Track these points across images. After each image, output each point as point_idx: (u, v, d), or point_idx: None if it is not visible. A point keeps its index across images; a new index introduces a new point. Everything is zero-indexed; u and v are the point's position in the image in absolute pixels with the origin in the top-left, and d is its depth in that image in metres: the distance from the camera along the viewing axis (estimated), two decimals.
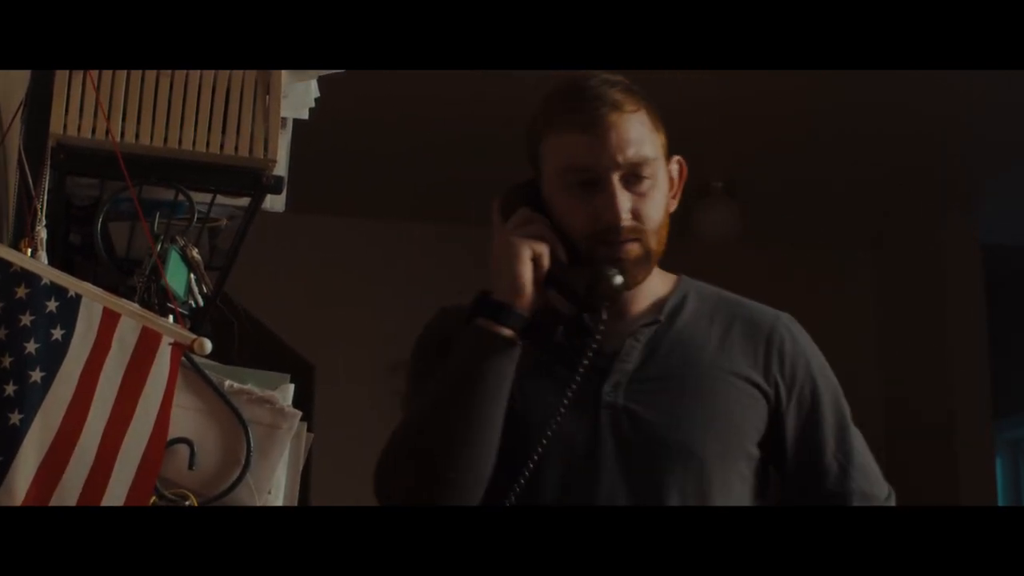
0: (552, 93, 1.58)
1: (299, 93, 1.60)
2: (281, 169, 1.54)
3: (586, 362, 1.50)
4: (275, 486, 1.37)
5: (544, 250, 1.51)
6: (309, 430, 1.43)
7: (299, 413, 1.37)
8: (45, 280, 1.19)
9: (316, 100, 1.64)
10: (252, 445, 1.31)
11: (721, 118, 4.17)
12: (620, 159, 1.50)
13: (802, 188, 4.86)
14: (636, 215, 1.51)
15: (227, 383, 1.33)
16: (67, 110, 1.39)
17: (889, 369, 5.40)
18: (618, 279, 1.51)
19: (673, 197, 1.60)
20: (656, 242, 1.55)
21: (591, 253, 1.52)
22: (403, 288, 5.41)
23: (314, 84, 1.63)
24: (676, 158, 1.61)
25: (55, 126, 1.39)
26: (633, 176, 1.52)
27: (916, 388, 5.26)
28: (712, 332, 1.60)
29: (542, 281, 1.51)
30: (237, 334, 1.81)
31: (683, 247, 1.91)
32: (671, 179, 1.59)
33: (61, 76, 1.39)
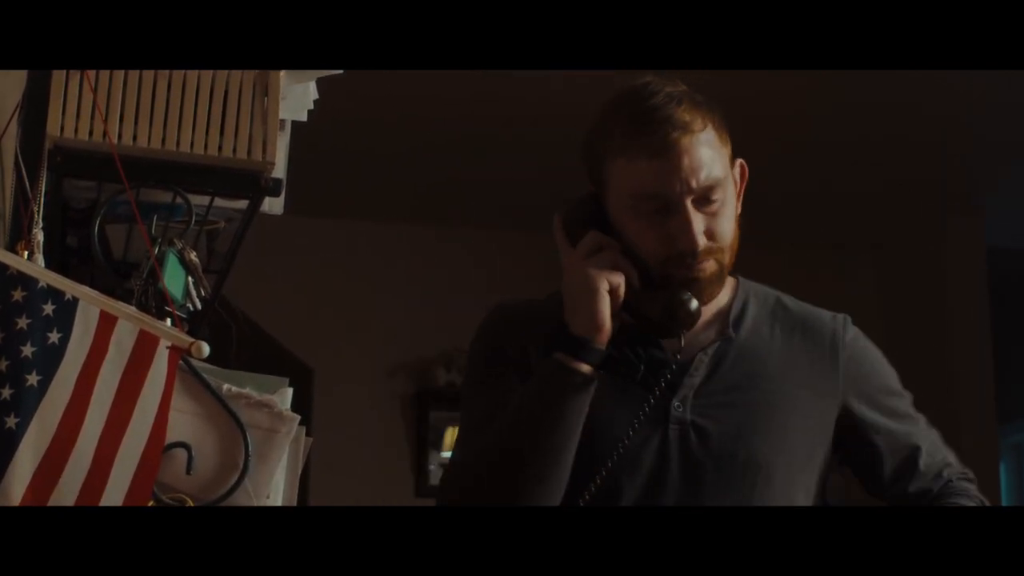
0: (613, 108, 1.55)
1: (298, 95, 1.60)
2: (280, 171, 1.54)
3: (663, 383, 1.51)
4: (273, 491, 1.37)
5: (620, 280, 1.50)
6: (308, 434, 1.43)
7: (298, 417, 1.37)
8: (42, 283, 1.18)
9: (315, 102, 1.64)
10: (250, 449, 1.31)
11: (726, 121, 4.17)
12: (693, 184, 1.49)
13: (804, 190, 4.86)
14: (710, 235, 1.51)
15: (225, 387, 1.33)
16: (64, 112, 1.39)
17: None
18: (694, 304, 1.51)
19: (737, 199, 1.59)
20: (730, 256, 1.55)
21: (665, 276, 1.51)
22: (403, 291, 5.41)
23: (313, 86, 1.63)
24: (739, 161, 1.60)
25: (52, 128, 1.39)
26: (705, 199, 1.51)
27: (920, 392, 5.26)
28: (774, 341, 1.60)
29: (618, 309, 1.51)
30: (235, 338, 1.80)
31: None
32: (735, 183, 1.59)
33: (58, 77, 1.39)
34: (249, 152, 1.45)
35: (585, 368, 1.48)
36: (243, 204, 1.56)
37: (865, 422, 1.60)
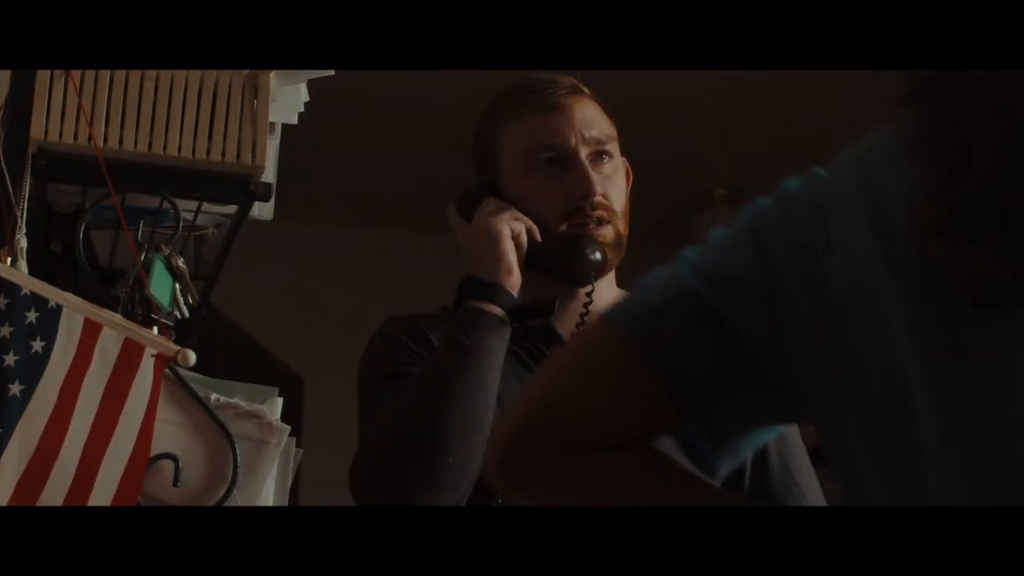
0: (503, 94, 1.61)
1: (288, 97, 1.60)
2: (269, 176, 1.54)
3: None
4: (263, 503, 1.37)
5: (522, 228, 1.51)
6: (298, 445, 1.43)
7: (288, 428, 1.37)
8: (25, 290, 1.19)
9: (305, 104, 1.64)
10: (239, 461, 1.31)
11: (724, 122, 4.18)
12: (587, 135, 1.52)
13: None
14: (604, 195, 1.52)
15: (213, 396, 1.33)
16: (48, 114, 1.39)
17: None
18: (597, 254, 1.51)
19: (626, 197, 1.59)
20: (624, 227, 1.55)
21: (566, 234, 1.51)
22: (397, 298, 5.40)
23: (303, 88, 1.63)
24: (624, 160, 1.60)
25: (36, 131, 1.39)
26: (597, 155, 1.53)
27: None
28: None
29: (522, 264, 1.50)
30: (223, 346, 1.80)
31: None
32: (626, 173, 1.60)
33: (42, 79, 1.39)
34: (238, 156, 1.46)
35: (496, 310, 1.47)
36: (232, 209, 1.56)
37: None
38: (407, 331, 1.55)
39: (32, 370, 1.16)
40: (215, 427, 1.31)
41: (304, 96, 1.63)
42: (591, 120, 1.54)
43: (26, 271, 1.30)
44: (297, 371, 5.06)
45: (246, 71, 1.47)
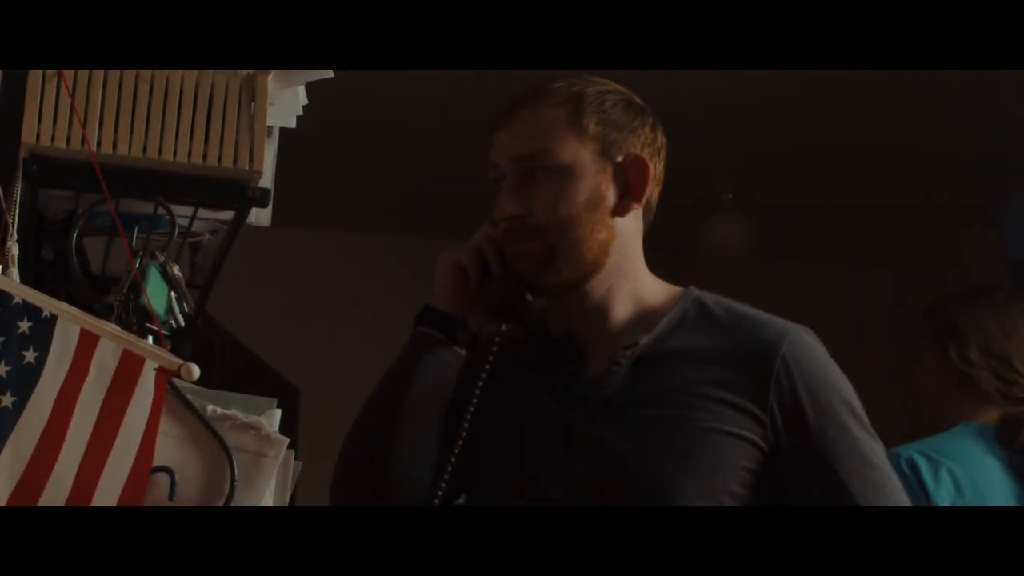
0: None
1: (286, 100, 1.60)
2: (267, 181, 1.54)
3: (565, 390, 1.53)
4: None
5: (466, 260, 1.55)
6: (296, 458, 1.43)
7: (286, 440, 1.37)
8: (17, 299, 1.18)
9: (304, 107, 1.64)
10: (237, 474, 1.30)
11: (731, 125, 4.17)
12: (514, 153, 1.54)
13: (817, 200, 4.87)
14: (528, 211, 1.52)
15: (210, 408, 1.33)
16: (40, 118, 1.39)
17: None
18: (529, 296, 1.53)
19: (635, 200, 1.55)
20: (564, 240, 1.52)
21: (509, 258, 1.55)
22: (395, 307, 5.38)
23: (301, 90, 1.62)
24: (631, 154, 1.56)
25: (28, 135, 1.39)
26: (531, 170, 1.53)
27: None
28: (707, 354, 1.53)
29: (475, 287, 1.56)
30: (218, 356, 1.80)
31: (690, 263, 1.91)
32: (621, 179, 1.55)
33: (34, 82, 1.39)
34: (235, 160, 1.45)
35: (434, 332, 1.55)
36: (228, 215, 1.56)
37: (783, 454, 1.50)
38: None
39: (24, 381, 1.16)
40: (212, 439, 1.31)
41: (302, 99, 1.63)
42: (521, 136, 1.54)
43: (18, 279, 1.29)
44: (292, 381, 5.05)
45: (243, 73, 1.47)
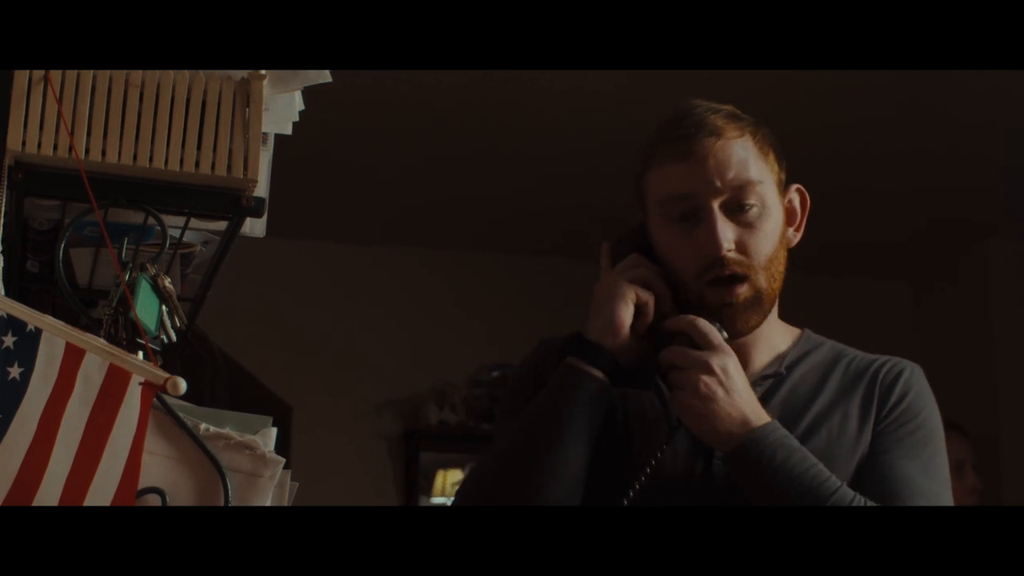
0: (655, 129, 1.62)
1: (282, 106, 1.59)
2: (262, 190, 1.54)
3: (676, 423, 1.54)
4: None
5: (649, 299, 1.54)
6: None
7: (282, 460, 1.36)
8: (1, 313, 1.18)
9: (300, 114, 1.64)
10: (230, 495, 1.30)
11: None
12: (718, 183, 1.52)
13: (832, 205, 4.86)
14: (742, 248, 1.53)
15: (202, 427, 1.32)
16: (26, 125, 1.38)
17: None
18: (723, 335, 1.53)
19: (796, 229, 1.62)
20: (767, 280, 1.55)
21: (701, 298, 1.54)
22: (391, 322, 5.40)
23: (298, 95, 1.62)
24: (795, 186, 1.62)
25: (12, 142, 1.38)
26: (736, 203, 1.53)
27: (961, 414, 5.28)
28: (826, 388, 1.60)
29: (644, 333, 1.54)
30: (210, 372, 1.80)
31: None
32: (791, 209, 1.61)
33: (19, 87, 1.39)
34: (229, 169, 1.45)
35: (594, 372, 1.52)
36: (221, 226, 1.56)
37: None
38: (535, 376, 1.63)
39: (9, 398, 1.15)
40: (205, 459, 1.30)
41: (299, 104, 1.63)
42: (728, 164, 1.53)
43: (2, 292, 1.29)
44: (285, 399, 5.05)
45: (237, 78, 1.47)
